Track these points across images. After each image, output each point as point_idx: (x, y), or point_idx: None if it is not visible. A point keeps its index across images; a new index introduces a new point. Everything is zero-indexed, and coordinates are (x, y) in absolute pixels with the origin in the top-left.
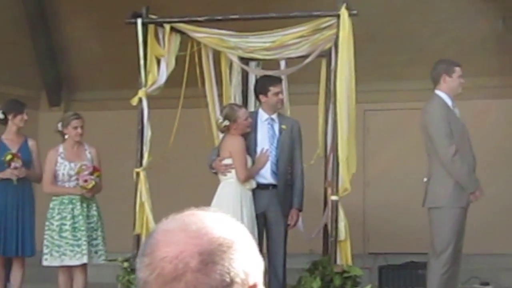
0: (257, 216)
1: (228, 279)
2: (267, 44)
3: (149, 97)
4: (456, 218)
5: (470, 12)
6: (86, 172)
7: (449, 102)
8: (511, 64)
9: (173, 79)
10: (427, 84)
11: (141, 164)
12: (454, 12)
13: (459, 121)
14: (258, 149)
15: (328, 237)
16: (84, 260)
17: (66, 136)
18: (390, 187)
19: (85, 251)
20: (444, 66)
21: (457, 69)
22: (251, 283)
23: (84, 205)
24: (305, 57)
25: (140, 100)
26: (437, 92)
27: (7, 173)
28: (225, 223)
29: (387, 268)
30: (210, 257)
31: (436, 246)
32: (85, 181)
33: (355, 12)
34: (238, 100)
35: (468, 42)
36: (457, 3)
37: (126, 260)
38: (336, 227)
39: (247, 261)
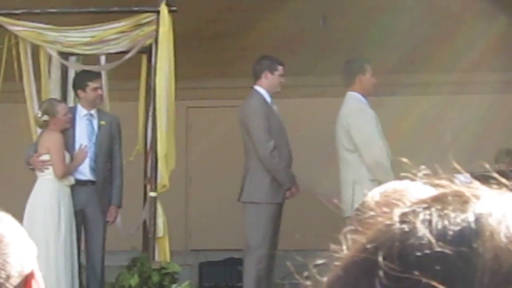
0: (75, 213)
1: (4, 275)
2: (87, 39)
3: None
4: (272, 214)
5: (290, 11)
6: None
7: (268, 98)
8: (332, 63)
9: None
10: (249, 82)
11: None
12: (277, 11)
13: (277, 117)
14: (77, 145)
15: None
16: None
17: None
18: (213, 184)
19: None
20: (267, 63)
21: (280, 67)
22: (28, 272)
23: None
24: (125, 52)
25: None
26: (257, 88)
27: None
28: None
29: (208, 264)
30: None
31: (251, 241)
32: None
33: (175, 8)
34: (57, 95)
35: (290, 41)
36: (279, 2)
37: None
38: (155, 224)
39: (20, 251)
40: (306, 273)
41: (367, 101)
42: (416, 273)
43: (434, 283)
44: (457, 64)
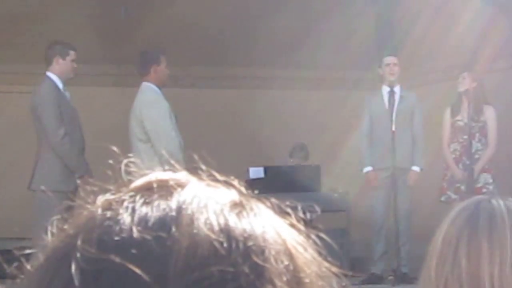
0: None
1: None
2: None
3: None
4: (63, 202)
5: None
6: None
7: (60, 84)
8: (130, 53)
9: None
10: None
11: None
12: None
13: (69, 104)
14: None
15: None
16: None
17: None
18: (4, 171)
19: None
20: (58, 48)
21: (72, 52)
22: None
23: None
24: None
25: None
26: (49, 74)
27: None
28: None
29: None
30: None
31: (40, 230)
32: None
33: None
34: None
35: (89, 28)
36: None
37: None
38: None
39: None
40: (15, 264)
41: (162, 92)
42: (113, 256)
43: (130, 266)
44: (258, 59)
